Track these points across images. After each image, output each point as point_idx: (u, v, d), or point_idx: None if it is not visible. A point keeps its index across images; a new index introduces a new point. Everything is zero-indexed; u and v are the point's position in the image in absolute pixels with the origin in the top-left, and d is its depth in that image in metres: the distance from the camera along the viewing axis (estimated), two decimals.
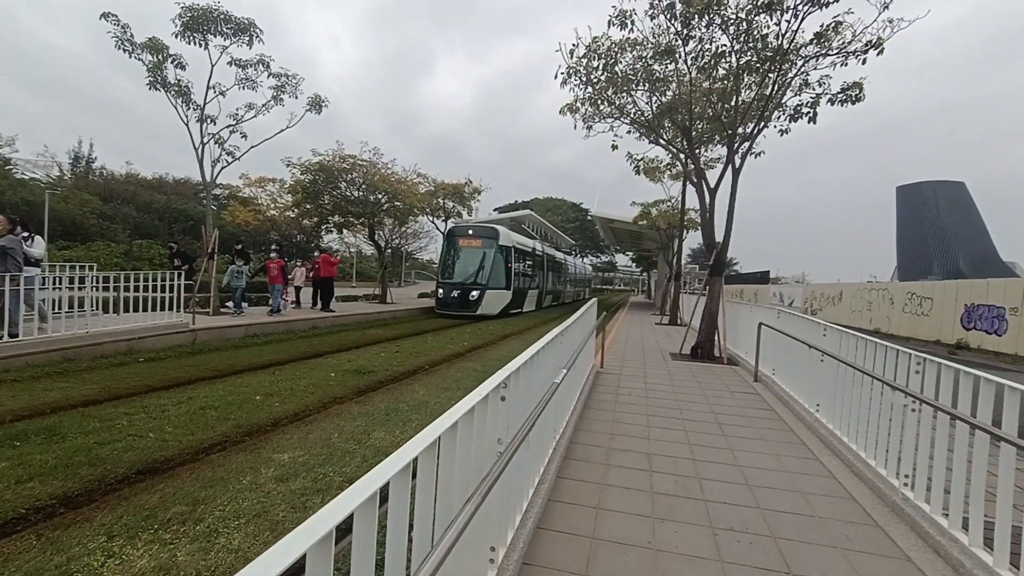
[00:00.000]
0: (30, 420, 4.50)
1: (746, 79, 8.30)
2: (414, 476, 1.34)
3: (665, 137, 10.45)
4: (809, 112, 7.96)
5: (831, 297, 22.26)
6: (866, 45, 7.14)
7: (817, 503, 3.15)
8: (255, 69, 13.48)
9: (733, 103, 8.46)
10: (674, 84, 9.16)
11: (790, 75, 7.87)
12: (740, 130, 8.62)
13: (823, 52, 7.52)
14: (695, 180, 9.63)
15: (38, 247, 7.27)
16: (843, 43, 7.35)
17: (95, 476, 3.47)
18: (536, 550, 2.51)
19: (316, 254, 17.51)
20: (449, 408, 1.60)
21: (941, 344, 14.14)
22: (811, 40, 7.44)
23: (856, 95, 7.65)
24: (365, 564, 1.09)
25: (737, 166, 8.67)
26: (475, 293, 18.33)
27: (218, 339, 9.62)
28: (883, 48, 7.08)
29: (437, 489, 1.47)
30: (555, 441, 3.68)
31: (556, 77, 8.82)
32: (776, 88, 7.95)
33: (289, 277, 15.03)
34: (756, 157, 9.44)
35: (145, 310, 8.68)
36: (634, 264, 59.59)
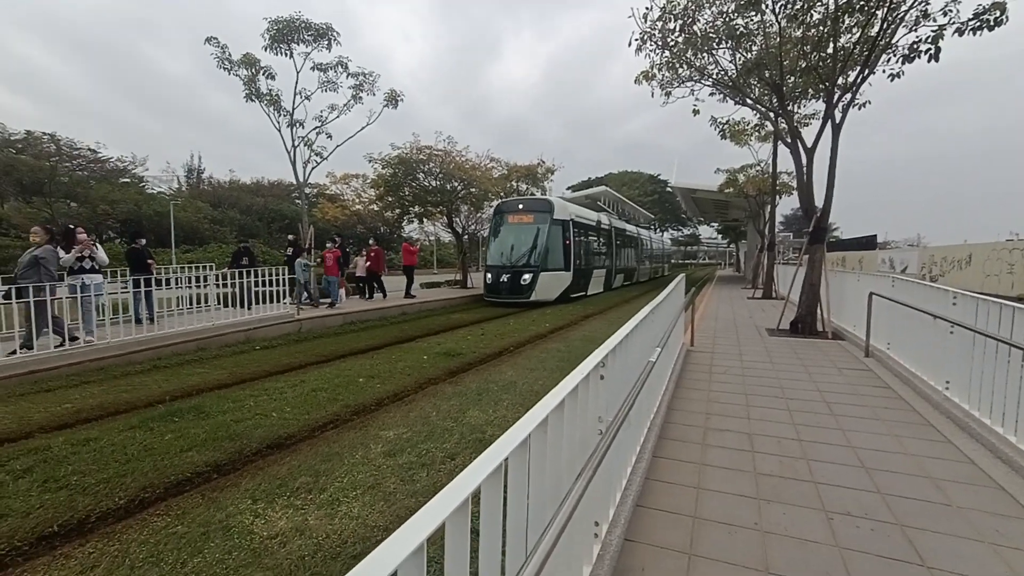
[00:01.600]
0: (182, 400, 5.25)
1: (846, 21, 7.38)
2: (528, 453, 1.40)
3: (752, 96, 9.64)
4: (929, 49, 6.84)
5: (957, 261, 19.51)
6: None
7: (953, 491, 2.84)
8: (335, 71, 14.28)
9: (831, 51, 7.58)
10: (760, 37, 8.40)
11: (903, 8, 6.86)
12: (840, 80, 7.73)
13: None
14: (788, 140, 8.81)
15: (101, 253, 7.79)
16: None
17: (235, 449, 3.98)
18: (637, 527, 2.52)
19: (371, 242, 16.35)
20: (537, 387, 1.66)
21: None
22: None
23: (996, 19, 6.30)
24: (493, 533, 1.16)
25: (837, 121, 7.80)
26: (527, 276, 15.66)
27: (320, 327, 10.52)
28: None
29: (547, 465, 1.53)
30: (650, 420, 3.63)
31: (630, 45, 8.43)
32: (885, 27, 6.97)
33: (351, 267, 15.33)
34: (860, 109, 8.41)
35: (258, 303, 9.70)
36: (720, 236, 56.18)
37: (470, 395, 5.46)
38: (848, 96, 7.85)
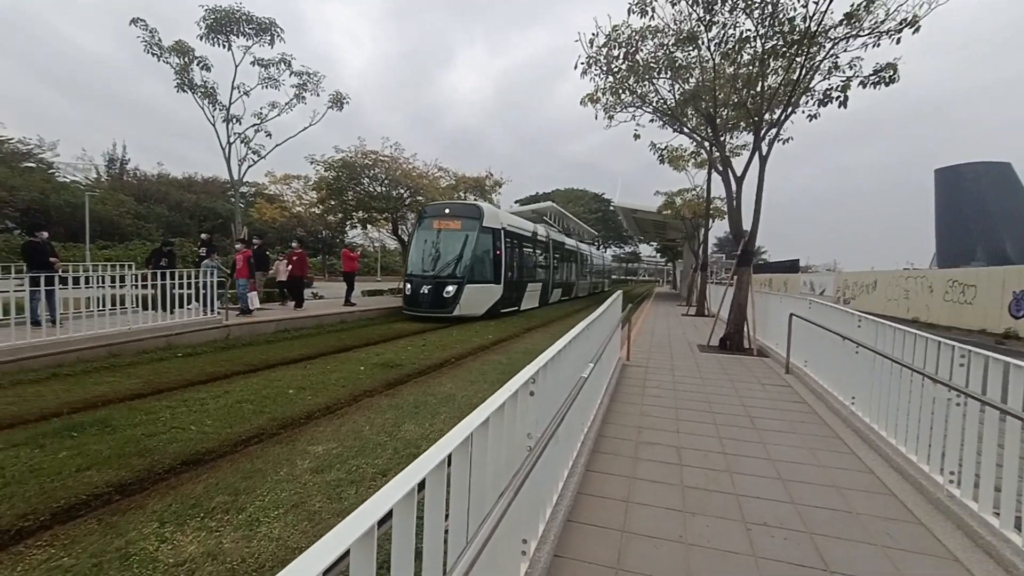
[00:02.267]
0: (84, 412, 4.74)
1: (772, 64, 8.05)
2: (449, 471, 1.36)
3: (689, 125, 10.23)
4: (840, 96, 7.65)
5: (865, 285, 21.52)
6: (901, 23, 6.82)
7: (855, 499, 3.07)
8: (277, 68, 13.80)
9: (759, 89, 8.22)
10: (697, 71, 8.95)
11: (818, 58, 7.60)
12: (767, 116, 8.37)
13: (854, 33, 7.22)
14: (720, 168, 9.40)
15: None
16: (876, 22, 7.04)
17: (144, 466, 3.64)
18: (567, 543, 2.53)
19: (293, 244, 14.93)
20: (476, 401, 1.63)
21: (987, 334, 13.53)
22: (841, 21, 7.15)
23: (890, 76, 7.30)
24: (405, 556, 1.12)
25: (764, 153, 8.44)
26: (451, 288, 14.08)
27: (250, 335, 9.91)
28: (919, 26, 6.75)
29: (471, 484, 1.50)
30: (583, 435, 3.68)
31: (576, 67, 8.72)
32: (804, 72, 7.68)
33: (271, 271, 14.35)
34: (784, 144, 9.16)
35: (181, 307, 9.02)
36: (659, 254, 58.74)
37: (407, 408, 5.32)
38: (774, 131, 8.52)
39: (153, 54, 12.39)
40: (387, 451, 4.09)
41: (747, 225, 8.79)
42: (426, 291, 14.19)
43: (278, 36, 12.98)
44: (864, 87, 7.53)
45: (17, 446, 3.84)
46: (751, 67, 8.31)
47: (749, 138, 9.57)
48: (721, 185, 9.70)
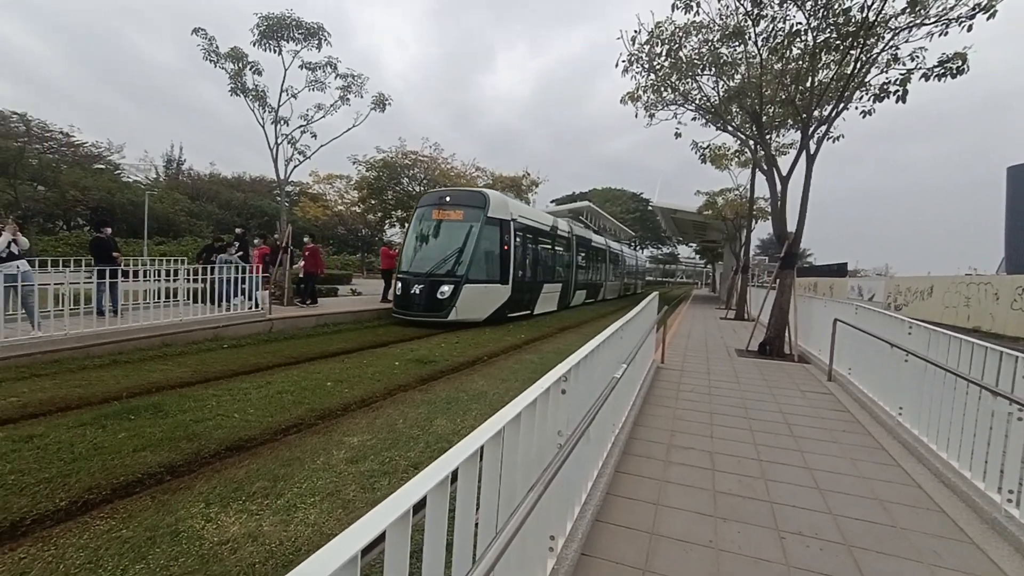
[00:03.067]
0: (140, 397, 5.08)
1: (824, 58, 7.70)
2: (480, 464, 1.40)
3: (733, 123, 9.94)
4: (898, 91, 7.21)
5: (920, 292, 20.32)
6: (973, 9, 6.27)
7: (899, 513, 2.94)
8: (323, 71, 14.19)
9: (808, 84, 7.89)
10: (743, 67, 8.69)
11: (876, 51, 7.21)
12: (816, 113, 8.04)
13: (918, 22, 6.77)
14: (765, 167, 9.09)
15: (23, 239, 7.15)
16: (944, 8, 6.56)
17: (192, 450, 3.86)
18: (595, 542, 2.53)
19: (306, 240, 13.82)
20: (508, 399, 1.66)
21: None
22: (904, 9, 6.71)
23: (958, 67, 6.73)
24: (437, 542, 1.16)
25: (812, 152, 8.10)
26: (446, 288, 12.08)
27: (292, 328, 10.31)
28: (995, 10, 6.17)
29: (501, 476, 1.53)
30: (614, 436, 3.66)
31: (617, 65, 8.62)
32: (859, 66, 7.31)
33: (294, 267, 13.97)
34: (834, 142, 8.76)
35: (228, 300, 9.48)
36: (698, 256, 57.29)
37: (439, 404, 5.42)
38: (823, 129, 8.17)
39: (211, 61, 13.03)
40: (419, 444, 4.18)
41: (792, 226, 8.48)
42: (418, 291, 12.10)
43: (325, 40, 13.39)
44: (927, 80, 7.01)
45: (84, 425, 4.15)
46: (800, 62, 7.98)
47: (796, 136, 9.22)
48: (765, 185, 9.39)
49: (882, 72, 7.44)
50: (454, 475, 1.22)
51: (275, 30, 13.21)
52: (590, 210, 27.99)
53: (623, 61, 8.67)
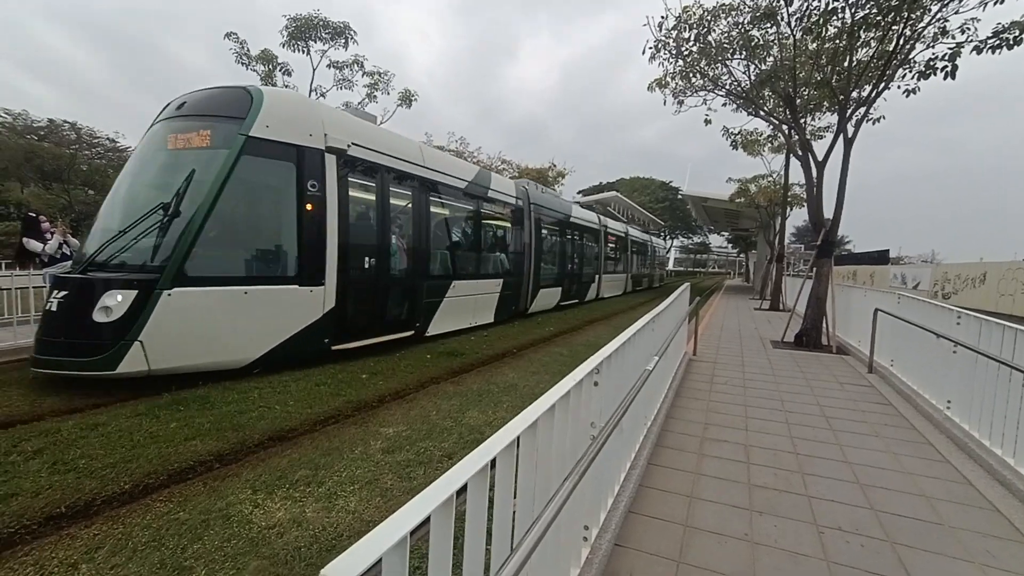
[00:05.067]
0: (188, 390, 5.33)
1: (863, 36, 7.35)
2: (517, 452, 1.44)
3: (765, 108, 9.64)
4: (946, 67, 6.79)
5: (971, 279, 19.28)
6: None
7: (947, 510, 2.84)
8: (351, 69, 14.47)
9: (846, 65, 7.56)
10: (775, 49, 8.40)
11: (921, 24, 6.84)
12: (854, 94, 7.71)
13: None
14: (800, 152, 8.79)
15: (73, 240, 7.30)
16: None
17: (238, 439, 4.05)
18: (628, 533, 2.55)
19: None
20: (538, 391, 1.70)
21: None
22: None
23: (1015, 37, 6.24)
24: (477, 527, 1.21)
25: (850, 135, 7.78)
26: (112, 302, 4.98)
27: None
28: None
29: (537, 466, 1.57)
30: (646, 428, 3.66)
31: (644, 53, 8.47)
32: (902, 42, 6.95)
33: None
34: (874, 123, 8.39)
35: None
36: (730, 245, 55.92)
37: (471, 395, 5.51)
38: (862, 110, 7.83)
39: (243, 63, 13.49)
40: (452, 436, 4.27)
41: (828, 213, 8.19)
42: (55, 308, 5.13)
43: (352, 39, 13.67)
44: (979, 53, 6.56)
45: (140, 415, 4.41)
46: (837, 41, 7.65)
47: (832, 119, 8.89)
48: (800, 170, 9.09)
49: (928, 47, 7.06)
50: (492, 463, 1.26)
51: (303, 31, 13.53)
52: (618, 200, 27.62)
53: (650, 48, 8.51)
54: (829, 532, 2.59)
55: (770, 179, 18.39)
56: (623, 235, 21.94)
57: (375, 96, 14.45)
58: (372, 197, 7.41)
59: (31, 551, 2.53)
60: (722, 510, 2.81)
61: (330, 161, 6.49)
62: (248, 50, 13.35)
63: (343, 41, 13.69)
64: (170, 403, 4.78)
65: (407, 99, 15.06)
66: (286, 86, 13.75)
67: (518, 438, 1.38)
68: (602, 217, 19.50)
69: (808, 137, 9.15)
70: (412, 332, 8.31)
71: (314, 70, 13.88)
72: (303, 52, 13.69)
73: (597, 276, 18.40)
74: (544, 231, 13.46)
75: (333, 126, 6.64)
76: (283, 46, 13.55)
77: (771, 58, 8.52)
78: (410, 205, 8.27)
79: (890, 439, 3.97)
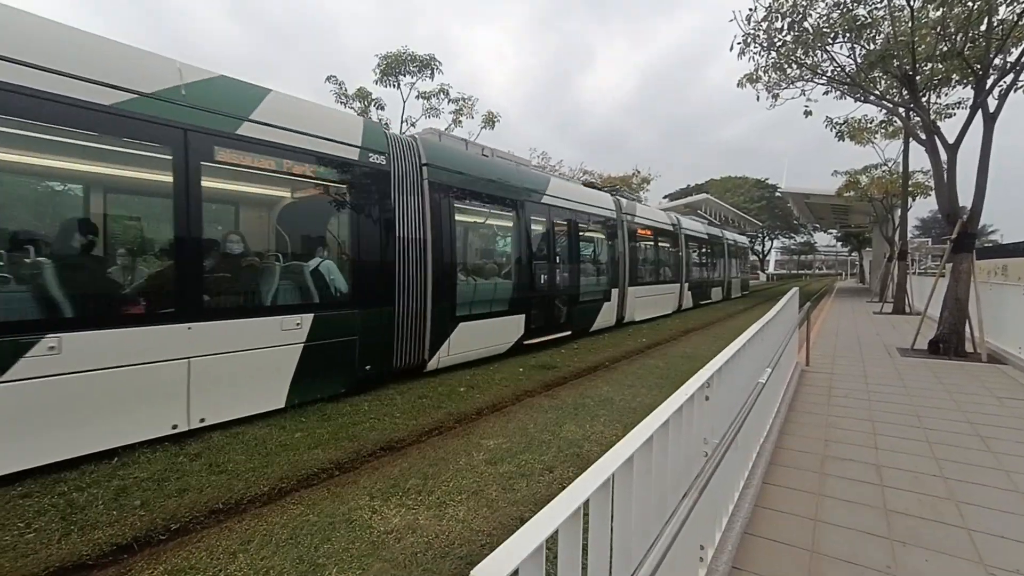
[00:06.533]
0: (311, 404, 5.88)
1: None
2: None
3: (877, 91, 8.71)
4: None
5: None
6: None
7: None
8: (437, 98, 15.33)
9: (983, 28, 6.62)
10: (886, 25, 7.59)
11: None
12: (996, 61, 6.71)
13: None
14: (923, 136, 7.81)
15: None
16: None
17: (354, 449, 4.39)
18: (746, 555, 2.40)
19: None
20: (635, 404, 1.66)
21: None
22: None
23: None
24: (601, 544, 1.23)
25: (992, 110, 6.77)
26: None
27: None
28: None
29: (650, 483, 1.55)
30: (759, 444, 3.43)
31: (731, 49, 8.07)
32: None
33: None
34: None
35: None
36: (839, 243, 50.71)
37: (567, 409, 5.51)
38: (1007, 79, 6.79)
39: (341, 102, 14.87)
40: (552, 449, 4.30)
41: (965, 201, 7.16)
42: None
43: (437, 69, 14.55)
44: None
45: (270, 426, 4.94)
46: (970, 2, 6.71)
47: (965, 94, 7.81)
48: (922, 157, 8.07)
49: None
50: (611, 481, 1.27)
51: (393, 67, 14.61)
52: (709, 203, 26.26)
53: (738, 43, 8.08)
54: (1002, 575, 2.24)
55: (885, 168, 16.48)
56: (673, 228, 16.02)
57: (460, 121, 15.21)
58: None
59: (201, 539, 2.94)
60: (855, 537, 2.54)
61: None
62: (346, 89, 14.71)
63: (429, 72, 14.61)
64: (293, 415, 5.31)
65: (490, 121, 15.65)
66: (379, 119, 14.93)
67: (634, 454, 1.38)
68: (650, 210, 15.39)
69: (933, 118, 8.11)
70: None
71: (404, 102, 14.94)
72: (394, 86, 14.80)
73: (621, 287, 12.95)
74: (497, 224, 9.82)
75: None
76: (376, 83, 14.77)
77: (881, 36, 7.71)
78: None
79: None
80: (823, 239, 61.21)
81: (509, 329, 8.39)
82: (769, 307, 4.41)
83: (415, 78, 14.77)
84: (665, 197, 43.49)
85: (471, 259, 8.97)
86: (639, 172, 23.03)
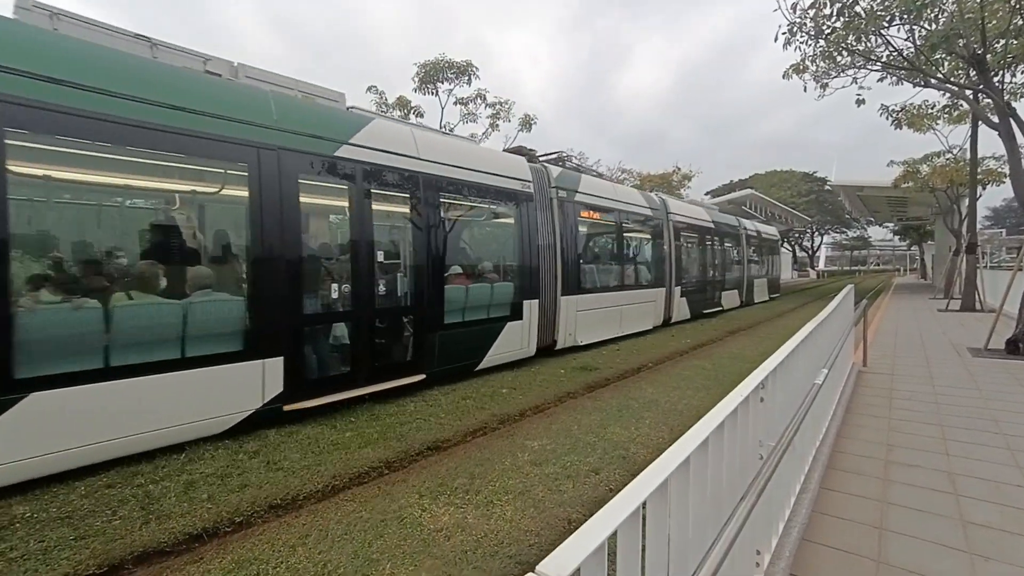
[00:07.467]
0: (359, 403, 6.08)
1: None
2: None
3: (940, 74, 8.17)
4: None
5: None
6: None
7: None
8: (474, 103, 15.53)
9: None
10: (950, 2, 7.12)
11: None
12: None
13: None
14: (995, 119, 7.27)
15: None
16: None
17: (402, 448, 4.51)
18: (804, 561, 2.32)
19: None
20: (681, 407, 1.63)
21: None
22: None
23: None
24: (659, 548, 1.22)
25: None
26: None
27: None
28: None
29: (706, 486, 1.53)
30: (815, 448, 3.30)
31: (776, 39, 7.77)
32: None
33: None
34: None
35: None
36: (896, 237, 47.79)
37: (611, 411, 5.46)
38: None
39: (382, 112, 15.30)
40: (596, 451, 4.27)
41: None
42: None
43: (474, 74, 14.74)
44: None
45: (321, 426, 5.14)
46: None
47: None
48: (993, 141, 7.50)
49: None
50: (667, 484, 1.27)
51: (432, 75, 14.90)
52: (753, 198, 25.32)
53: (783, 33, 7.77)
54: None
55: (949, 156, 15.41)
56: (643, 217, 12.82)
57: (497, 125, 15.34)
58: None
59: (263, 532, 3.10)
60: (928, 549, 2.40)
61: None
62: (386, 99, 15.11)
63: (467, 78, 14.83)
64: (343, 415, 5.50)
65: (527, 124, 15.71)
66: (419, 126, 15.28)
67: (689, 457, 1.36)
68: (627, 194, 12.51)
69: (1007, 99, 7.53)
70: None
71: (442, 108, 15.23)
72: (432, 93, 15.11)
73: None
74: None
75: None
76: (415, 91, 15.11)
77: (945, 15, 7.24)
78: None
79: None
80: (877, 233, 57.88)
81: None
82: (820, 306, 4.23)
83: (453, 84, 15.03)
84: (707, 194, 42.23)
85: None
86: (679, 169, 22.47)
